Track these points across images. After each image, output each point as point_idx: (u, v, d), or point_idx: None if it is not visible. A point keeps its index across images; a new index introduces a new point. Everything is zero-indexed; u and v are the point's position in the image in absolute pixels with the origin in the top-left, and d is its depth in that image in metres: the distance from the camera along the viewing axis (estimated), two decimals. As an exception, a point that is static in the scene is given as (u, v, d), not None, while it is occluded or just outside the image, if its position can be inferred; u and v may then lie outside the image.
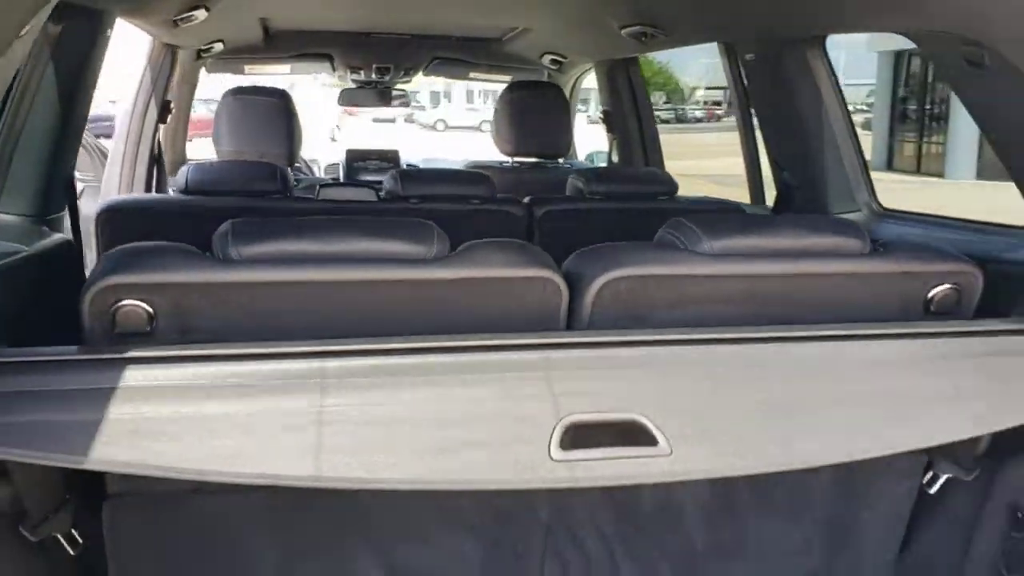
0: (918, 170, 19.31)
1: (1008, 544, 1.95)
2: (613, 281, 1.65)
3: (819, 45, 2.77)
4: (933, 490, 2.02)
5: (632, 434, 1.49)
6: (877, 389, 1.63)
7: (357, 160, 4.87)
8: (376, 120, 29.68)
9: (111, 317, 1.47)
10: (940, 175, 18.21)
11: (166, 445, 1.34)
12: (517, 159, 4.22)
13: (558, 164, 4.32)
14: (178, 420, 1.36)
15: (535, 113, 4.05)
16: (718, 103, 29.84)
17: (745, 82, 3.18)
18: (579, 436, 1.47)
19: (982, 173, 17.28)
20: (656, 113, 4.57)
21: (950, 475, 1.99)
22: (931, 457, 2.00)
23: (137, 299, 1.48)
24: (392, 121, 32.26)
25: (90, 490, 1.67)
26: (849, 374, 1.64)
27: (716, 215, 2.60)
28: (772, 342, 1.63)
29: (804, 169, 2.90)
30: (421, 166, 5.29)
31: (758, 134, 3.27)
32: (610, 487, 1.88)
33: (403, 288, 1.58)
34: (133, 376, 1.36)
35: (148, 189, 3.71)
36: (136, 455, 1.33)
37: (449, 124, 35.09)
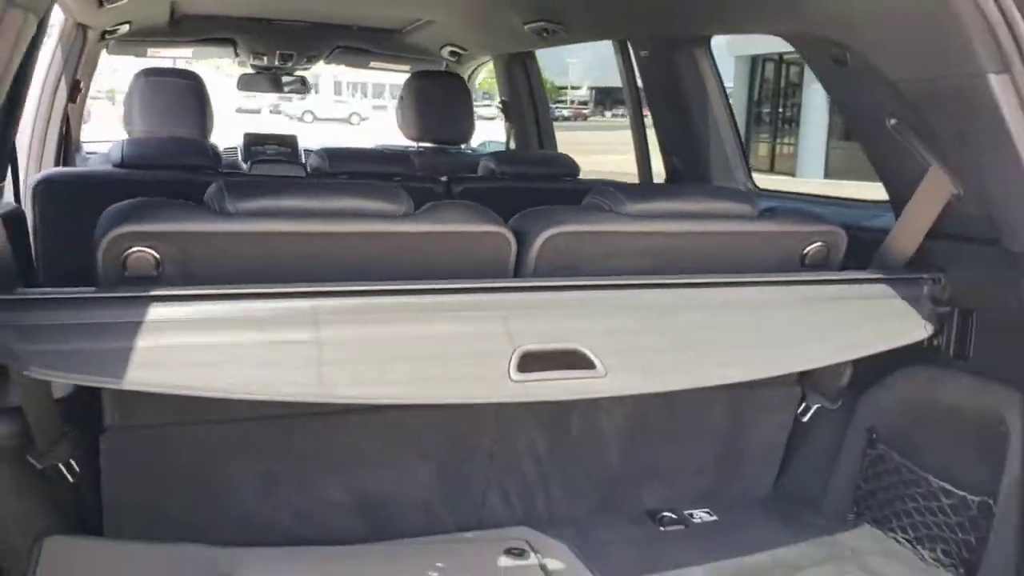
0: (772, 169, 20.52)
1: (864, 460, 2.36)
2: (554, 236, 1.94)
3: (705, 44, 3.16)
4: (806, 419, 2.42)
5: (574, 360, 1.78)
6: (764, 324, 1.99)
7: (255, 144, 4.99)
8: (240, 110, 28.95)
9: (123, 262, 1.66)
10: (792, 174, 19.43)
11: (188, 369, 1.55)
12: (422, 144, 4.46)
13: (460, 149, 4.59)
14: (197, 348, 1.57)
15: (440, 101, 4.29)
16: (584, 103, 30.79)
17: (638, 76, 3.54)
18: (532, 362, 1.75)
19: (829, 173, 18.58)
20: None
21: (819, 405, 2.39)
22: (803, 390, 2.40)
23: (146, 246, 1.67)
24: (257, 112, 31.57)
25: (88, 424, 1.85)
26: (742, 313, 1.99)
27: (636, 184, 2.96)
28: (682, 287, 1.97)
29: (691, 153, 3.29)
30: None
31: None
32: (544, 418, 2.19)
33: (379, 239, 1.83)
34: (159, 311, 1.56)
35: (57, 167, 3.75)
36: (162, 377, 1.53)
37: (317, 116, 34.62)
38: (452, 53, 4.88)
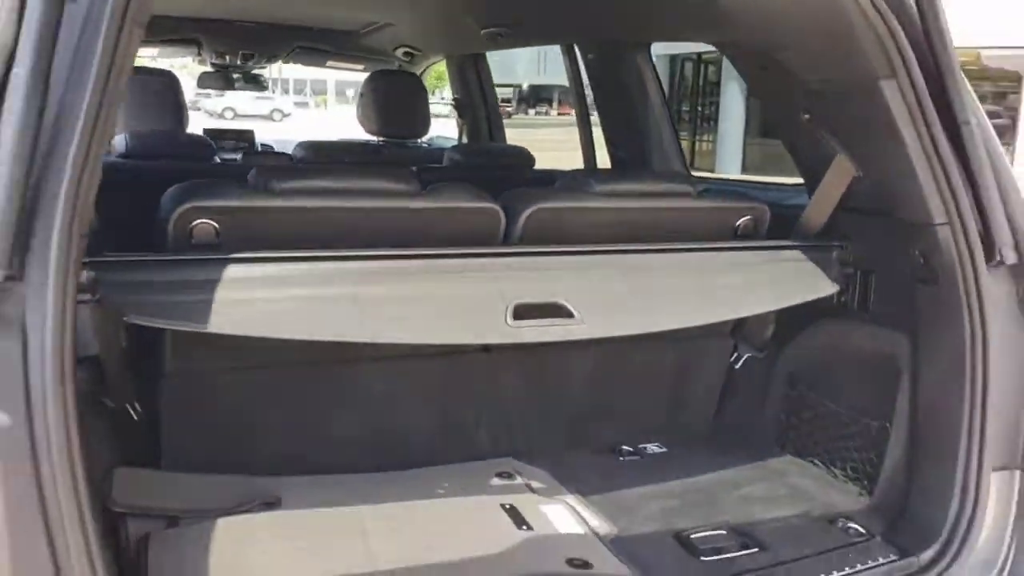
0: (692, 165, 21.27)
1: (786, 399, 2.83)
2: (536, 211, 2.34)
3: (646, 49, 3.60)
4: (738, 366, 2.88)
5: (557, 311, 2.19)
6: (705, 283, 2.43)
7: (215, 138, 5.26)
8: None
9: (189, 232, 2.00)
10: (711, 170, 20.22)
11: (255, 317, 1.90)
12: (382, 138, 4.80)
13: (418, 144, 4.95)
14: (261, 300, 1.92)
15: (400, 98, 4.64)
16: (507, 101, 31.33)
17: (585, 77, 3.97)
18: (524, 311, 2.14)
19: (745, 168, 19.43)
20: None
21: (749, 354, 2.85)
22: (736, 342, 2.85)
23: (209, 218, 2.01)
24: (176, 108, 30.98)
25: (146, 371, 2.18)
26: (688, 273, 2.42)
27: (604, 169, 3.39)
28: (640, 252, 2.39)
29: (634, 146, 3.73)
30: (275, 147, 5.75)
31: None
32: (524, 368, 2.59)
33: (396, 213, 2.21)
34: (231, 271, 1.91)
35: None
36: (234, 324, 1.88)
37: (238, 112, 34.29)
38: (406, 54, 5.23)
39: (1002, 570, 2.18)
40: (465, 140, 5.18)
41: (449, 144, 5.58)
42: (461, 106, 5.10)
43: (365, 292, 2.03)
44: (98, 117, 1.51)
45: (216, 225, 2.03)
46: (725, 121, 20.38)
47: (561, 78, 4.31)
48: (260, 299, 1.94)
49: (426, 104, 4.79)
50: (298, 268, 2.00)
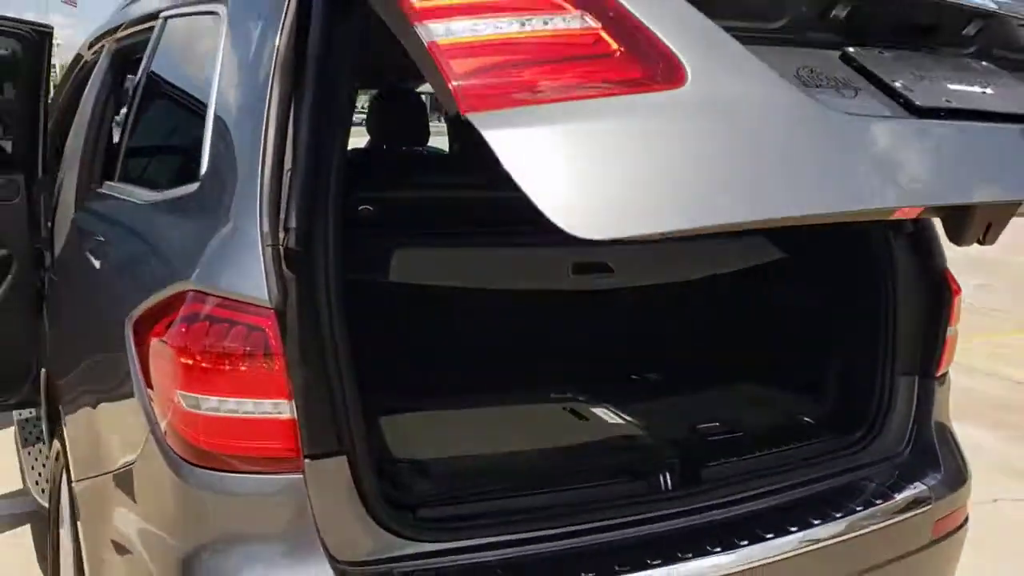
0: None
1: (750, 339, 3.77)
2: None
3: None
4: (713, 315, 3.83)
5: (602, 267, 3.09)
6: (692, 248, 3.32)
7: None
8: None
9: (358, 215, 2.83)
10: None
11: (410, 269, 2.75)
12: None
13: (420, 150, 5.78)
14: (411, 259, 2.78)
15: (405, 111, 5.45)
16: (422, 108, 32.14)
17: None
18: (580, 267, 3.04)
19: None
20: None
21: (721, 305, 3.80)
22: (710, 295, 3.79)
23: (369, 204, 2.85)
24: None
25: None
26: (681, 242, 3.34)
27: None
28: None
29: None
30: None
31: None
32: (571, 321, 3.49)
33: (487, 201, 3.08)
34: (395, 240, 2.75)
35: None
36: (399, 275, 2.73)
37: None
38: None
39: (909, 440, 3.16)
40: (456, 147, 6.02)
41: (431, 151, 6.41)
42: (451, 119, 5.93)
43: (474, 254, 2.91)
44: (343, 128, 2.33)
45: (373, 208, 2.87)
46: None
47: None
48: (410, 258, 2.79)
49: (426, 117, 5.61)
50: (430, 239, 2.87)
